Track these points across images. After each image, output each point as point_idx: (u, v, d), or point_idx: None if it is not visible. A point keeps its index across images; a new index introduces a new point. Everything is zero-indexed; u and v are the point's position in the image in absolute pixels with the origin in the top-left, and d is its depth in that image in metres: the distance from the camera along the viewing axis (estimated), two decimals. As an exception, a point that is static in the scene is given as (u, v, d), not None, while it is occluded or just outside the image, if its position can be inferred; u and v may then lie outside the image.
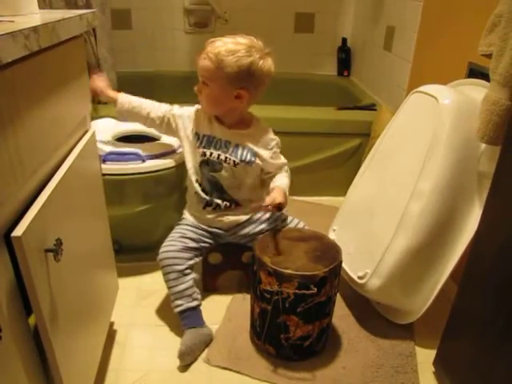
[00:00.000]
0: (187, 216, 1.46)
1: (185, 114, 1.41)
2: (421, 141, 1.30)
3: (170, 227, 1.76)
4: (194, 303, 1.32)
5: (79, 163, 0.95)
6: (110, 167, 1.45)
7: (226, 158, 1.35)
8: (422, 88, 1.39)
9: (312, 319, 1.22)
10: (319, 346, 1.30)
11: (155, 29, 2.74)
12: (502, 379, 0.97)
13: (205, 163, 1.37)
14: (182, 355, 1.24)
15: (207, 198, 1.40)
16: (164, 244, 1.37)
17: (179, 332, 1.35)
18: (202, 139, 1.36)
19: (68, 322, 0.86)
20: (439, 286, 1.28)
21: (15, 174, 0.68)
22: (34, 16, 0.87)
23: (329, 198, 2.14)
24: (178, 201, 1.62)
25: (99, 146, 1.38)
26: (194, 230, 1.41)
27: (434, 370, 1.26)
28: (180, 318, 1.32)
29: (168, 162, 1.52)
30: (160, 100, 2.14)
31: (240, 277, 1.58)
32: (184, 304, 1.31)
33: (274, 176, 1.41)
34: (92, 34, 2.09)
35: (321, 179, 2.13)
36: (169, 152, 1.54)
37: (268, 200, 1.27)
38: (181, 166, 1.55)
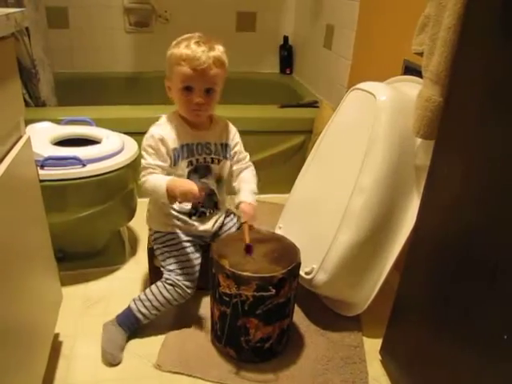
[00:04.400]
0: (168, 229, 1.36)
1: (160, 143, 1.27)
2: (360, 137, 1.33)
3: (114, 232, 1.72)
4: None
5: (13, 171, 0.91)
6: (48, 173, 1.39)
7: (213, 158, 1.35)
8: (360, 85, 1.42)
9: (272, 321, 1.23)
10: (280, 348, 1.31)
11: (94, 28, 2.66)
12: (441, 362, 1.01)
13: (193, 172, 1.33)
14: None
15: (197, 208, 1.36)
16: (182, 277, 1.32)
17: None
18: (183, 150, 1.30)
19: (6, 337, 0.82)
20: (383, 278, 1.32)
21: None
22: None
23: (274, 195, 2.15)
24: (122, 204, 1.59)
25: (36, 151, 1.32)
26: (188, 244, 1.36)
27: (380, 358, 1.31)
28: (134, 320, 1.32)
29: (110, 166, 1.48)
30: (101, 102, 2.09)
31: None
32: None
33: (239, 171, 1.42)
34: (25, 34, 2.00)
35: (265, 177, 2.11)
36: (110, 155, 1.50)
37: (248, 218, 1.29)
38: (124, 169, 1.51)
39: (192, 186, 1.16)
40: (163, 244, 1.35)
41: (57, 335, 1.32)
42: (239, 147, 1.41)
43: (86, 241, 1.63)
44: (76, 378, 1.21)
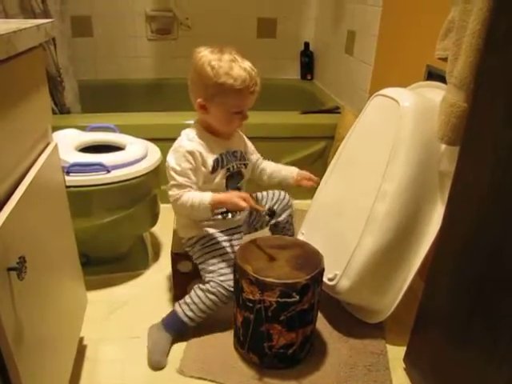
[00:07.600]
0: (204, 230, 1.38)
1: (195, 154, 1.30)
2: (384, 143, 1.32)
3: (138, 237, 1.75)
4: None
5: (41, 177, 0.93)
6: (74, 179, 1.42)
7: (242, 163, 1.41)
8: (383, 91, 1.42)
9: (295, 327, 1.22)
10: (303, 354, 1.30)
11: (117, 36, 2.71)
12: (466, 373, 1.00)
13: (229, 178, 1.38)
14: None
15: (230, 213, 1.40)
16: (224, 277, 1.32)
17: (151, 343, 1.34)
18: (221, 159, 1.34)
19: (34, 342, 0.83)
20: (407, 285, 1.31)
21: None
22: (-12, 28, 0.84)
23: (296, 201, 2.13)
24: (146, 210, 1.61)
25: (62, 157, 1.35)
26: (226, 244, 1.38)
27: (404, 366, 1.29)
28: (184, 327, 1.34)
29: (134, 172, 1.50)
30: (124, 109, 2.12)
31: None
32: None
33: (260, 163, 1.51)
34: (51, 43, 2.05)
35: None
36: (134, 161, 1.53)
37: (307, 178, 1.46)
38: (147, 175, 1.53)
39: (239, 197, 1.23)
40: (202, 246, 1.36)
41: (81, 339, 1.34)
42: (252, 147, 1.51)
43: (110, 246, 1.65)
44: (100, 382, 1.23)
